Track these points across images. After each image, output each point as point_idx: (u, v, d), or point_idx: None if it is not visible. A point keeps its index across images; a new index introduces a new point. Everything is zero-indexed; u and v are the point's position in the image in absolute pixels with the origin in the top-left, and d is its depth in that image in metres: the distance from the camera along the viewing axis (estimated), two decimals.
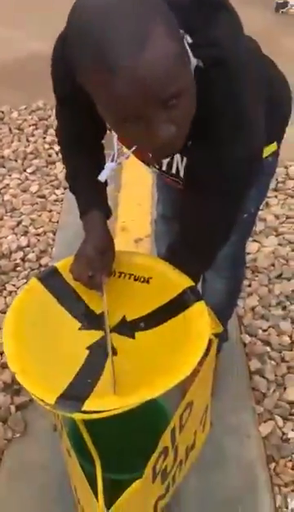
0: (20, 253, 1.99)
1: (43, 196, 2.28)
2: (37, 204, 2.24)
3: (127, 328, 0.95)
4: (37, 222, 2.13)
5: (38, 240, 2.06)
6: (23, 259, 1.98)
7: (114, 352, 0.91)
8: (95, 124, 0.94)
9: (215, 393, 1.37)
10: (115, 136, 0.87)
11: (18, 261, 1.96)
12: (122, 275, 1.04)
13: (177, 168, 0.90)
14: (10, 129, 2.69)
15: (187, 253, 0.98)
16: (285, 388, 1.53)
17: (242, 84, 0.74)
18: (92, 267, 0.96)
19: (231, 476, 1.31)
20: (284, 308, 1.77)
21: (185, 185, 0.92)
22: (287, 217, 2.14)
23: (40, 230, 2.11)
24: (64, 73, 0.83)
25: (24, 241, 2.04)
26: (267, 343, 1.66)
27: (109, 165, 0.89)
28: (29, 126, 2.70)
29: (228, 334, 1.51)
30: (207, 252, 0.98)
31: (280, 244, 2.01)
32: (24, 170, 2.42)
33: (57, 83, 0.94)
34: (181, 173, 0.90)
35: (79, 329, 0.95)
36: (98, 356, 0.90)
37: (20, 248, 2.02)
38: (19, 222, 2.13)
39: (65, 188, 2.34)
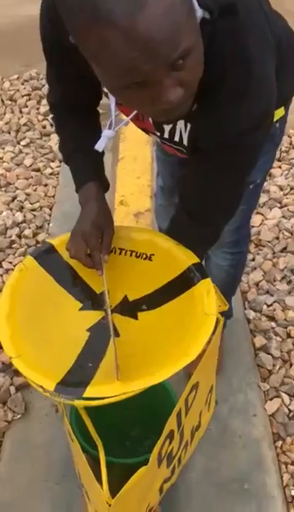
0: (16, 230, 1.93)
1: (38, 170, 2.20)
2: (32, 178, 2.16)
3: (129, 308, 0.90)
4: (33, 197, 2.06)
5: (34, 216, 1.99)
6: (19, 236, 1.91)
7: (116, 334, 0.86)
8: (89, 88, 0.86)
9: (219, 372, 1.33)
10: (112, 101, 0.79)
11: (14, 237, 1.90)
12: (123, 251, 0.98)
13: (181, 135, 0.83)
14: (2, 100, 2.58)
15: (191, 228, 0.91)
16: (291, 365, 1.49)
17: (251, 37, 0.66)
18: (90, 244, 0.90)
19: (238, 455, 1.29)
20: (289, 283, 1.72)
21: (189, 153, 0.85)
22: (292, 189, 2.07)
23: (36, 205, 2.04)
24: (55, 28, 0.74)
25: (19, 217, 1.97)
26: (272, 318, 1.62)
27: (105, 133, 0.82)
28: (22, 96, 2.59)
29: (232, 311, 1.47)
30: (212, 226, 0.92)
31: (284, 217, 1.95)
32: (18, 143, 2.33)
33: (47, 39, 0.85)
34: (185, 141, 0.83)
35: (79, 309, 0.90)
36: (99, 338, 0.85)
37: (15, 224, 1.95)
38: (14, 198, 2.06)
39: (61, 161, 2.26)
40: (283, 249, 1.83)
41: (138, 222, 2.01)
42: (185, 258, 0.93)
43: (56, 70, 0.91)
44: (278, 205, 2.01)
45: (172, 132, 0.84)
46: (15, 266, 1.83)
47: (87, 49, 0.60)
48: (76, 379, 0.77)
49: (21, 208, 2.02)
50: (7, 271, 1.80)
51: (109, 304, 0.89)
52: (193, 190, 0.87)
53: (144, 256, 0.97)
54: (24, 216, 1.98)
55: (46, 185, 2.14)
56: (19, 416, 1.39)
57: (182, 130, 0.81)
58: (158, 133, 0.87)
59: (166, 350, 0.81)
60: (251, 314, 1.62)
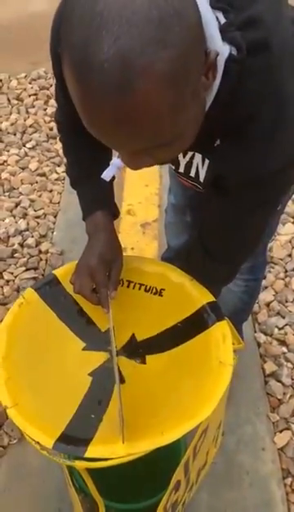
0: (19, 238, 1.86)
1: (43, 174, 2.12)
2: (36, 182, 2.09)
3: (137, 350, 0.82)
4: (37, 204, 1.99)
5: (38, 224, 1.92)
6: (21, 244, 1.84)
7: (122, 380, 0.78)
8: None
9: (227, 402, 1.26)
10: None
11: (16, 246, 1.83)
12: (131, 284, 0.91)
13: (197, 170, 0.75)
14: (8, 99, 2.50)
15: (208, 265, 0.84)
16: None
17: (287, 75, 0.59)
18: (96, 279, 0.82)
19: (245, 492, 1.22)
20: None
21: (205, 190, 0.77)
22: None
23: (40, 212, 1.96)
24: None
25: (22, 224, 1.90)
26: (283, 343, 1.54)
27: (115, 162, 0.75)
28: (29, 96, 2.51)
29: (243, 335, 1.39)
30: (232, 264, 0.85)
31: None
32: (24, 145, 2.25)
33: (55, 58, 0.77)
34: (201, 177, 0.76)
35: (83, 349, 0.83)
36: (103, 384, 0.77)
37: (18, 232, 1.88)
38: (17, 204, 1.98)
39: None
40: None
41: (145, 233, 1.94)
42: (199, 296, 0.86)
43: (63, 86, 0.83)
44: (292, 220, 1.93)
45: (188, 167, 0.76)
46: (16, 277, 1.77)
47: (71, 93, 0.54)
48: (77, 434, 0.70)
49: (25, 215, 1.95)
50: (8, 282, 1.73)
51: (115, 345, 0.82)
52: (213, 228, 0.79)
53: (154, 291, 0.89)
54: (28, 224, 1.91)
55: (51, 191, 2.07)
56: (15, 441, 1.32)
57: (199, 165, 0.74)
58: (173, 166, 0.80)
59: (176, 403, 0.74)
60: (262, 338, 1.54)
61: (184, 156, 0.75)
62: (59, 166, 2.18)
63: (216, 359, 0.77)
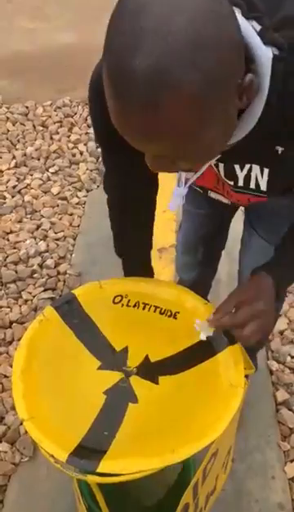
0: (38, 259, 1.91)
1: (65, 198, 2.19)
2: (57, 206, 2.15)
3: (151, 371, 0.85)
4: (58, 226, 2.04)
5: (57, 246, 1.97)
6: (40, 265, 1.89)
7: (134, 400, 0.81)
8: (144, 177, 0.80)
9: (238, 428, 1.27)
10: None
11: (35, 267, 1.87)
12: (147, 307, 0.94)
13: (257, 182, 0.76)
14: (34, 126, 2.59)
15: None
16: None
17: None
18: None
19: None
20: None
21: (271, 196, 0.80)
22: None
23: (60, 234, 2.01)
24: (103, 109, 0.64)
25: (42, 246, 1.95)
26: None
27: (177, 192, 0.78)
28: (54, 123, 2.60)
29: (257, 363, 1.40)
30: None
31: None
32: (47, 170, 2.33)
33: (97, 123, 0.80)
34: (263, 187, 0.77)
35: (97, 368, 0.86)
36: (116, 403, 0.80)
37: (38, 253, 1.93)
38: (38, 226, 2.04)
39: (88, 191, 2.25)
40: None
41: (161, 258, 1.97)
42: None
43: (110, 157, 0.88)
44: None
45: (247, 180, 0.77)
46: (34, 297, 1.82)
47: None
48: (90, 448, 0.72)
49: (45, 237, 2.00)
50: (26, 301, 1.77)
51: (129, 365, 0.85)
52: None
53: (169, 313, 0.92)
54: (48, 245, 1.96)
55: (71, 214, 2.12)
56: (26, 459, 1.34)
57: (258, 176, 0.75)
58: (231, 182, 0.81)
59: (187, 423, 0.76)
60: (274, 365, 1.55)
61: (241, 170, 0.76)
62: (80, 191, 2.24)
63: (226, 381, 0.79)
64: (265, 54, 0.58)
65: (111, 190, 0.94)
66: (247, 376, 0.93)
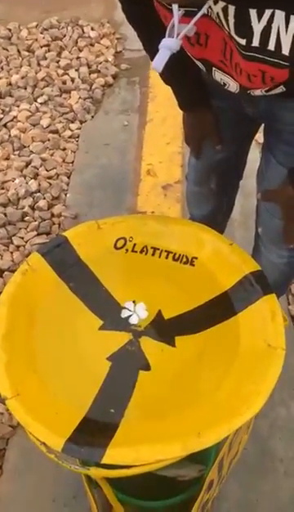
0: (30, 200, 1.72)
1: (56, 131, 1.97)
2: (48, 140, 1.93)
3: (165, 330, 0.68)
4: (49, 163, 1.84)
5: (50, 185, 1.78)
6: (32, 207, 1.71)
7: (146, 367, 0.64)
8: None
9: None
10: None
11: (26, 209, 1.69)
12: (157, 252, 0.76)
13: (278, 38, 0.56)
14: (18, 51, 2.34)
15: None
16: None
17: None
18: None
19: (279, 484, 1.10)
20: None
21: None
22: None
23: (52, 172, 1.82)
24: None
25: (33, 185, 1.76)
26: None
27: (165, 44, 0.59)
28: (41, 47, 2.34)
29: None
30: None
31: None
32: (35, 100, 2.10)
33: None
34: (285, 49, 0.57)
35: (99, 329, 0.69)
36: (124, 371, 0.64)
37: (28, 193, 1.74)
38: (28, 163, 1.84)
39: (82, 122, 2.03)
40: None
41: (167, 196, 1.78)
42: (241, 264, 0.71)
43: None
44: None
45: (266, 36, 0.57)
46: (26, 242, 1.64)
47: None
48: (92, 433, 0.57)
49: (36, 176, 1.81)
50: (18, 247, 1.60)
51: (138, 324, 0.68)
52: None
53: (185, 259, 0.74)
54: (39, 184, 1.77)
55: (64, 149, 1.92)
56: None
57: (281, 30, 0.55)
58: (243, 41, 0.59)
59: (213, 395, 0.60)
60: None
61: (259, 20, 0.56)
62: (72, 122, 2.03)
63: (263, 341, 0.63)
64: None
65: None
66: None
